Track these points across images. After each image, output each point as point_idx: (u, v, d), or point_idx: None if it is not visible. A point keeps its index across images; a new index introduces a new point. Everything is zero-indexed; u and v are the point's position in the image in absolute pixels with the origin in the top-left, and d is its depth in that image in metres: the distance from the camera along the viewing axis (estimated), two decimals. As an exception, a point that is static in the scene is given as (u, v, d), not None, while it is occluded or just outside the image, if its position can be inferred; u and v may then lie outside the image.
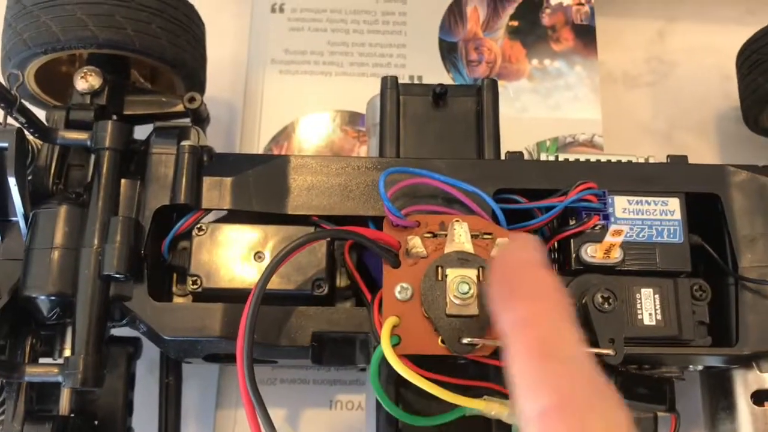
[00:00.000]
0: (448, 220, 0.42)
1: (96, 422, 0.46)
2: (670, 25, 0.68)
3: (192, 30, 0.51)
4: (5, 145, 0.42)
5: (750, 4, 0.68)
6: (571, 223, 0.45)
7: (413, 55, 0.63)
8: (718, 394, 0.48)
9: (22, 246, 0.44)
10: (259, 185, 0.46)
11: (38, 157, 0.47)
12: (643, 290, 0.44)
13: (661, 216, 0.45)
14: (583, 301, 0.42)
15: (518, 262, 0.33)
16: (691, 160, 0.48)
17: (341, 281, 0.46)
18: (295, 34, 0.63)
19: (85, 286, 0.42)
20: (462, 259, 0.40)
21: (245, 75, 0.62)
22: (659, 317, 0.43)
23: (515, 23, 0.64)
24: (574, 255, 0.44)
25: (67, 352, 0.44)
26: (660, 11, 0.69)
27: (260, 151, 0.60)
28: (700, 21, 0.68)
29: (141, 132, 0.49)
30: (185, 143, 0.46)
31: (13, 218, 0.45)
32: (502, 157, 0.48)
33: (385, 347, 0.38)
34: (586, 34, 0.64)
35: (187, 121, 0.49)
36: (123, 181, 0.45)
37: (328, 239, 0.45)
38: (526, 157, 0.49)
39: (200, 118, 0.50)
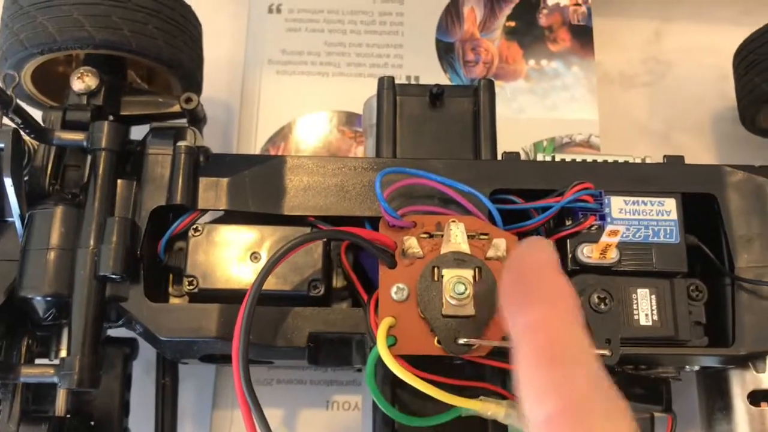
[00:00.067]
0: (444, 221, 0.42)
1: (92, 423, 0.46)
2: (667, 26, 0.68)
3: (189, 30, 0.51)
4: (1, 145, 0.42)
5: (747, 5, 0.68)
6: (568, 223, 0.44)
7: (410, 55, 0.63)
8: (715, 394, 0.48)
9: (18, 247, 0.44)
10: (256, 186, 0.46)
11: (34, 157, 0.46)
12: (639, 290, 0.43)
13: (657, 216, 0.45)
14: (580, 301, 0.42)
15: (532, 265, 0.32)
16: (687, 161, 0.48)
17: (337, 282, 0.46)
18: (292, 34, 0.63)
19: (81, 286, 0.42)
20: (458, 260, 0.40)
21: (242, 75, 0.62)
22: (655, 317, 0.43)
23: (512, 24, 0.64)
24: (570, 255, 0.44)
25: (63, 353, 0.44)
26: (657, 11, 0.69)
27: (257, 151, 0.60)
28: (696, 21, 0.68)
29: (138, 133, 0.49)
30: (181, 144, 0.46)
31: (9, 219, 0.45)
32: (499, 157, 0.48)
33: (381, 348, 0.38)
34: (582, 35, 0.64)
35: (183, 121, 0.49)
36: (119, 181, 0.45)
37: (325, 240, 0.45)
38: (523, 157, 0.49)
39: (197, 119, 0.50)
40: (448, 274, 0.40)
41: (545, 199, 0.45)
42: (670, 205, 0.45)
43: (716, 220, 0.46)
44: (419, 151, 0.48)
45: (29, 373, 0.43)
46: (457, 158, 0.48)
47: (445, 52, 0.63)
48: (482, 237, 0.41)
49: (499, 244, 0.41)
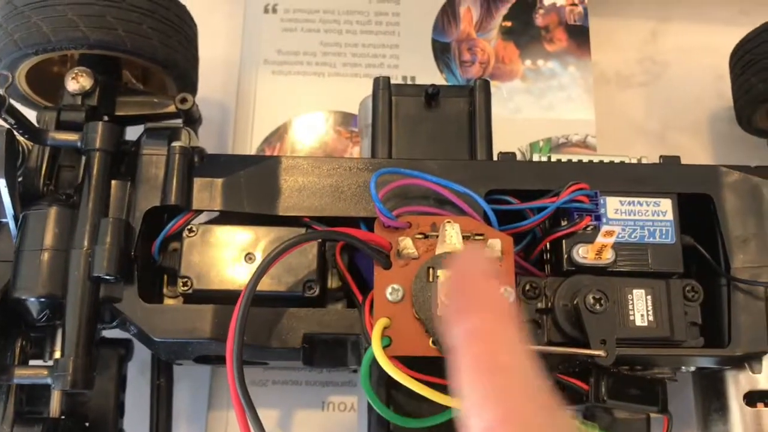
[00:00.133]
0: (439, 221, 0.41)
1: (87, 424, 0.46)
2: (663, 26, 0.68)
3: (184, 30, 0.51)
4: (-5, 146, 0.42)
5: (743, 5, 0.68)
6: (563, 223, 0.44)
7: (406, 55, 0.63)
8: (711, 395, 0.48)
9: (11, 247, 0.44)
10: (251, 186, 0.45)
11: (29, 158, 0.46)
12: (635, 291, 0.43)
13: (653, 217, 0.45)
14: (575, 302, 0.42)
15: (468, 275, 0.32)
16: (684, 161, 0.48)
17: (332, 282, 0.46)
18: (288, 34, 0.63)
19: (75, 287, 0.42)
20: (453, 261, 0.40)
21: (238, 75, 0.62)
22: (651, 318, 0.43)
23: (508, 24, 0.64)
24: (566, 256, 0.44)
25: (57, 354, 0.44)
26: (653, 12, 0.69)
27: (253, 152, 0.59)
28: (693, 21, 0.68)
29: (134, 133, 0.48)
30: (176, 144, 0.45)
31: (3, 219, 0.44)
32: (495, 157, 0.48)
33: (376, 349, 0.38)
34: (579, 35, 0.64)
35: (179, 122, 0.49)
36: (113, 182, 0.45)
37: (320, 240, 0.45)
38: (519, 157, 0.49)
39: (192, 119, 0.50)
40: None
41: (541, 200, 0.45)
42: (666, 205, 0.45)
43: (712, 221, 0.46)
44: (415, 152, 0.48)
45: (23, 375, 0.43)
46: (452, 159, 0.47)
47: (442, 52, 0.63)
48: (477, 237, 0.41)
49: (495, 244, 0.41)
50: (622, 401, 0.44)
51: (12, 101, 0.43)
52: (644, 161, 0.48)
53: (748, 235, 0.45)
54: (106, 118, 0.48)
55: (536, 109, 0.61)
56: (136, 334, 0.44)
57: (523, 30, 0.64)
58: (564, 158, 0.48)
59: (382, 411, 0.40)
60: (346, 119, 0.61)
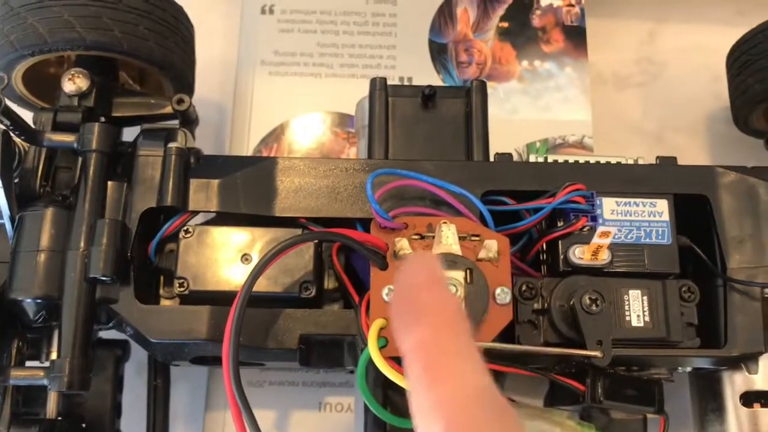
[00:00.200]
0: (435, 222, 0.41)
1: (84, 425, 0.46)
2: (660, 26, 0.68)
3: (180, 31, 0.51)
4: (-10, 147, 0.42)
5: (740, 5, 0.68)
6: (559, 224, 0.44)
7: (403, 56, 0.63)
8: (707, 395, 0.48)
9: (8, 248, 0.44)
10: (247, 187, 0.45)
11: (25, 159, 0.46)
12: (631, 292, 0.43)
13: (649, 217, 0.45)
14: (571, 302, 0.42)
15: (413, 283, 0.32)
16: (681, 161, 0.48)
17: (329, 283, 0.46)
18: (284, 35, 0.63)
19: (71, 288, 0.42)
20: (449, 261, 0.40)
21: (235, 76, 0.62)
22: (647, 319, 0.43)
23: (505, 24, 0.64)
24: (562, 256, 0.44)
25: (54, 355, 0.44)
26: (650, 12, 0.69)
27: (249, 152, 0.59)
28: (690, 22, 0.68)
29: (131, 134, 0.48)
30: (172, 145, 0.45)
31: (0, 221, 0.44)
32: (491, 158, 0.48)
33: (372, 349, 0.38)
34: (576, 36, 0.64)
35: (175, 123, 0.49)
36: (110, 183, 0.45)
37: (316, 241, 0.45)
38: (516, 158, 0.49)
39: (189, 120, 0.49)
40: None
41: (537, 201, 0.45)
42: (662, 206, 0.45)
43: (708, 221, 0.46)
44: (411, 153, 0.48)
45: (19, 376, 0.43)
46: (449, 159, 0.47)
47: (438, 53, 0.63)
48: (474, 238, 0.41)
49: (491, 245, 0.41)
50: (618, 402, 0.44)
51: (8, 102, 0.43)
52: (641, 162, 0.48)
53: (744, 236, 0.46)
54: (102, 119, 0.48)
55: (533, 110, 0.61)
56: (132, 335, 0.44)
57: (520, 31, 0.64)
58: (561, 159, 0.48)
59: (378, 412, 0.40)
60: (343, 120, 0.61)
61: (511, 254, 0.43)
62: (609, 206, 0.45)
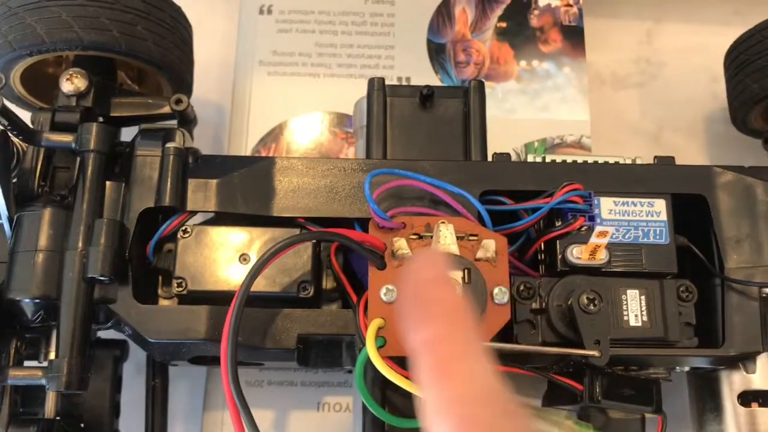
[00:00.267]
0: (434, 222, 0.42)
1: (82, 425, 0.46)
2: (658, 27, 0.68)
3: (179, 32, 0.51)
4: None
5: (737, 5, 0.68)
6: (557, 224, 0.44)
7: (401, 56, 0.63)
8: (705, 395, 0.48)
9: (6, 248, 0.44)
10: (245, 187, 0.45)
11: (23, 159, 0.46)
12: (629, 291, 0.43)
13: (647, 217, 0.45)
14: (569, 302, 0.42)
15: (421, 281, 0.32)
16: (679, 161, 0.48)
17: (327, 283, 0.46)
18: (283, 35, 0.63)
19: (70, 288, 0.42)
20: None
21: (233, 76, 0.62)
22: (645, 318, 0.43)
23: (503, 24, 0.64)
24: (560, 256, 0.44)
25: (52, 355, 0.44)
26: (648, 12, 0.69)
27: (248, 152, 0.59)
28: (688, 22, 0.68)
29: (129, 134, 0.48)
30: (170, 145, 0.45)
31: (-2, 220, 0.45)
32: (489, 158, 0.48)
33: (370, 349, 0.38)
34: (574, 36, 0.64)
35: (174, 123, 0.49)
36: (108, 183, 0.45)
37: (314, 241, 0.45)
38: (514, 158, 0.49)
39: (187, 120, 0.49)
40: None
41: (535, 200, 0.45)
42: (660, 205, 0.45)
43: (706, 221, 0.46)
44: (409, 153, 0.48)
45: (17, 376, 0.43)
46: (447, 159, 0.47)
47: (437, 53, 0.63)
48: (472, 238, 0.41)
49: (489, 245, 0.41)
50: (616, 401, 0.44)
51: (6, 102, 0.43)
52: (639, 162, 0.48)
53: (741, 236, 0.46)
54: (100, 119, 0.48)
55: (531, 110, 0.61)
56: (130, 335, 0.44)
57: (518, 31, 0.64)
58: (559, 159, 0.48)
59: (376, 411, 0.40)
60: (341, 120, 0.61)
61: (509, 254, 0.43)
62: (607, 206, 0.45)
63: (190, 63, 0.54)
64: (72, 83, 0.48)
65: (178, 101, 0.49)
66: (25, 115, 0.46)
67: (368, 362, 0.38)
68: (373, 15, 0.64)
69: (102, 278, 0.42)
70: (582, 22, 0.64)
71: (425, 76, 0.62)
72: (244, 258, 0.44)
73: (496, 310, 0.40)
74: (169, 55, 0.50)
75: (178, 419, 0.54)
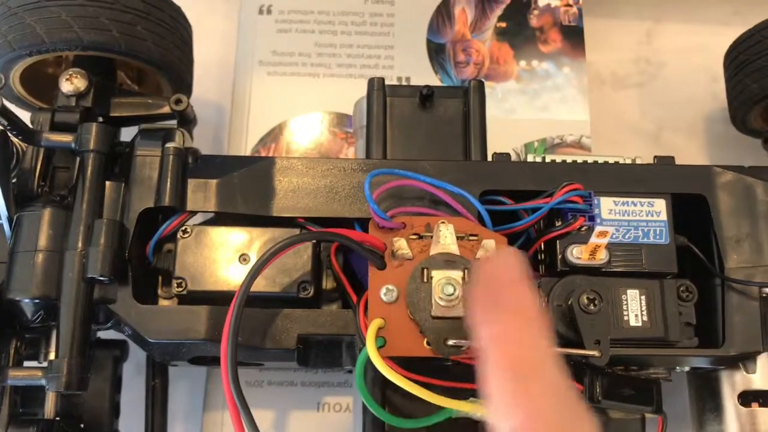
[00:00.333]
0: (434, 222, 0.41)
1: (82, 425, 0.46)
2: (658, 27, 0.68)
3: (178, 32, 0.51)
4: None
5: (737, 5, 0.68)
6: (557, 224, 0.44)
7: (401, 56, 0.63)
8: (705, 395, 0.48)
9: (5, 249, 0.44)
10: (245, 187, 0.45)
11: (23, 159, 0.46)
12: (629, 291, 0.43)
13: (647, 217, 0.45)
14: (569, 302, 0.42)
15: (501, 277, 0.33)
16: (679, 161, 0.48)
17: (327, 283, 0.46)
18: (282, 35, 0.63)
19: (69, 288, 0.42)
20: (447, 261, 0.40)
21: (233, 77, 0.62)
22: (645, 318, 0.43)
23: (503, 24, 0.64)
24: (560, 256, 0.44)
25: (52, 356, 0.44)
26: (648, 12, 0.69)
27: (248, 152, 0.59)
28: (687, 22, 0.68)
29: (128, 134, 0.48)
30: (170, 145, 0.45)
31: (-3, 221, 0.44)
32: (489, 158, 0.48)
33: (370, 349, 0.38)
34: (574, 36, 0.64)
35: (173, 123, 0.49)
36: (107, 183, 0.45)
37: (314, 241, 0.45)
38: (514, 158, 0.49)
39: (187, 120, 0.49)
40: (438, 276, 0.40)
41: (535, 200, 0.45)
42: (660, 205, 0.45)
43: (706, 221, 0.46)
44: (409, 153, 0.48)
45: (17, 376, 0.43)
46: (447, 159, 0.47)
47: (436, 53, 0.63)
48: (471, 238, 0.41)
49: (489, 245, 0.41)
50: (616, 401, 0.44)
51: (6, 102, 0.43)
52: (639, 162, 0.48)
53: (741, 236, 0.46)
54: (100, 119, 0.48)
55: (531, 110, 0.61)
56: (130, 335, 0.44)
57: (518, 31, 0.64)
58: (558, 159, 0.48)
59: (376, 411, 0.40)
60: (341, 120, 0.61)
61: (509, 254, 0.43)
62: (607, 206, 0.45)
63: (190, 63, 0.54)
64: (72, 83, 0.48)
65: (178, 101, 0.49)
66: (25, 116, 0.46)
67: (368, 362, 0.38)
68: (373, 15, 0.64)
69: (102, 278, 0.42)
70: (582, 22, 0.64)
71: (425, 76, 0.62)
72: (243, 258, 0.44)
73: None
74: (168, 55, 0.50)
75: (178, 419, 0.54)
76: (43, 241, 0.43)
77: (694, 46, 0.67)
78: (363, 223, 0.44)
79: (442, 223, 0.41)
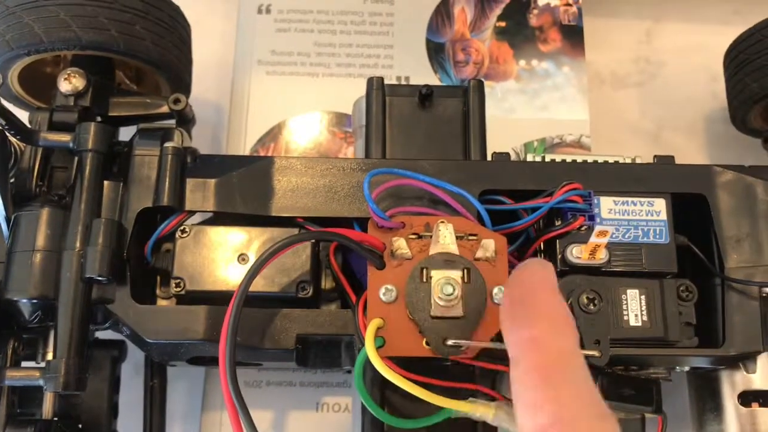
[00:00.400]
0: (433, 222, 0.41)
1: (80, 426, 0.46)
2: (658, 26, 0.68)
3: (177, 31, 0.51)
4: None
5: (737, 5, 0.68)
6: (557, 224, 0.44)
7: (400, 55, 0.63)
8: (705, 395, 0.48)
9: (3, 249, 0.43)
10: (244, 187, 0.45)
11: (21, 159, 0.46)
12: (629, 291, 0.43)
13: (647, 216, 0.45)
14: (569, 302, 0.42)
15: (532, 285, 0.34)
16: (679, 161, 0.48)
17: (326, 283, 0.46)
18: (281, 35, 0.63)
19: (67, 288, 0.42)
20: (447, 261, 0.40)
21: (232, 76, 0.62)
22: (645, 318, 0.43)
23: (503, 24, 0.64)
24: (559, 256, 0.44)
25: (50, 356, 0.44)
26: (647, 12, 0.69)
27: (246, 152, 0.59)
28: (687, 21, 0.68)
29: (127, 134, 0.48)
30: (168, 145, 0.45)
31: (-5, 220, 0.44)
32: (489, 158, 0.48)
33: (369, 349, 0.38)
34: (573, 35, 0.64)
35: (172, 122, 0.49)
36: (106, 183, 0.45)
37: (313, 241, 0.44)
38: (513, 157, 0.49)
39: (185, 120, 0.49)
40: (437, 275, 0.39)
41: (534, 200, 0.44)
42: (660, 205, 0.45)
43: (706, 221, 0.46)
44: (409, 152, 0.48)
45: (15, 376, 0.43)
46: (446, 159, 0.47)
47: (436, 52, 0.63)
48: (471, 238, 0.41)
49: (488, 244, 0.41)
50: (616, 401, 0.44)
51: (4, 102, 0.43)
52: (638, 161, 0.47)
53: (741, 235, 0.45)
54: (99, 118, 0.48)
55: (530, 110, 0.61)
56: (128, 335, 0.44)
57: (517, 30, 0.64)
58: (558, 158, 0.48)
59: (375, 412, 0.40)
60: (340, 120, 0.61)
61: (509, 254, 0.43)
62: (607, 205, 0.45)
63: (189, 62, 0.54)
64: (70, 83, 0.48)
65: (177, 101, 0.48)
66: (23, 115, 0.46)
67: (367, 362, 0.38)
68: (372, 14, 0.64)
69: (100, 278, 0.42)
70: (581, 22, 0.64)
71: (424, 75, 0.62)
72: (242, 258, 0.44)
73: (496, 310, 0.40)
74: (167, 55, 0.50)
75: (177, 420, 0.54)
76: (41, 240, 0.43)
77: (693, 46, 0.67)
78: (362, 223, 0.44)
79: (442, 222, 0.41)
